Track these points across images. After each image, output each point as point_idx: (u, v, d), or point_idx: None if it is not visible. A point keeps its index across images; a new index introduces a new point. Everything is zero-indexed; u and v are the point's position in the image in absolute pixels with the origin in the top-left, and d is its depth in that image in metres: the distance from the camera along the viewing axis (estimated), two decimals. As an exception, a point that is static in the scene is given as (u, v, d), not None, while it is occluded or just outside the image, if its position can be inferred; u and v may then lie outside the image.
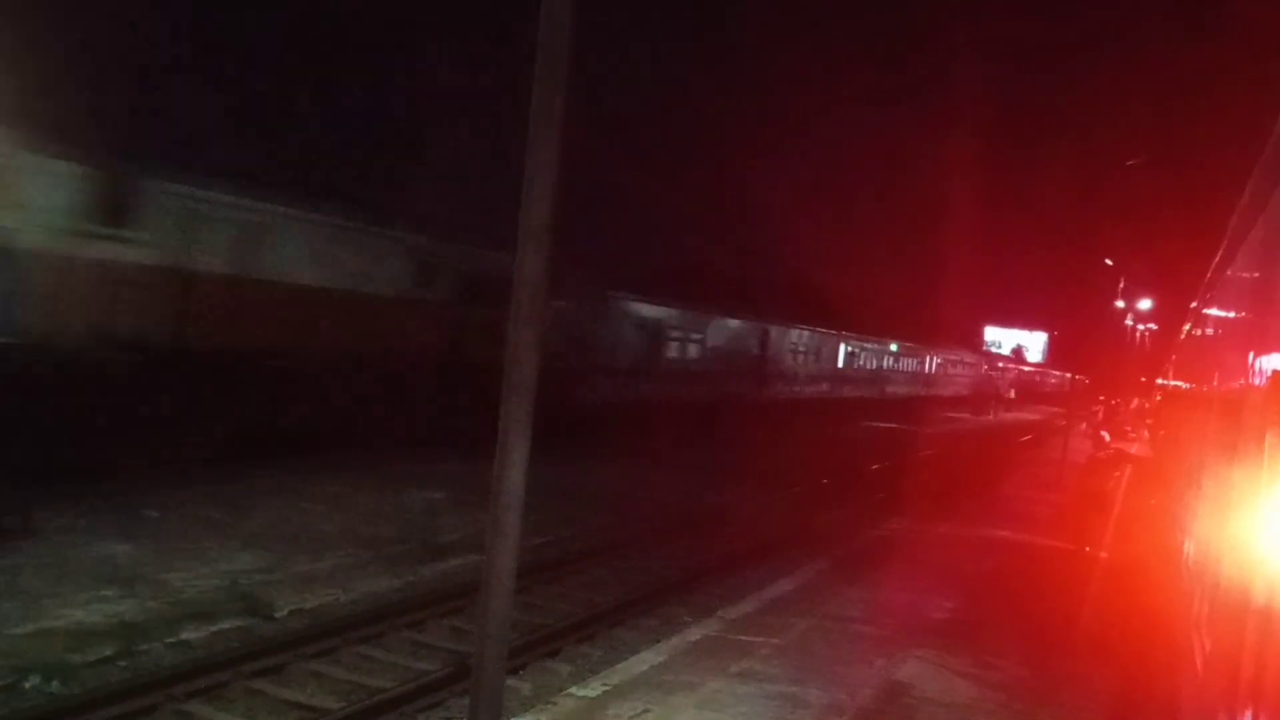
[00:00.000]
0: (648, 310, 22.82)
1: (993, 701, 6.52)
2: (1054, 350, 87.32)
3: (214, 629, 7.07)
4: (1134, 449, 29.08)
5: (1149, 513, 14.63)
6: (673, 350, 24.06)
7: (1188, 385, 10.18)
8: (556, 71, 4.53)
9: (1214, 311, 6.45)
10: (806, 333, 33.77)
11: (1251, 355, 3.43)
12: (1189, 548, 6.03)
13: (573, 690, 6.26)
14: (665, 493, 15.04)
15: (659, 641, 7.51)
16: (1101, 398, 42.95)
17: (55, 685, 5.89)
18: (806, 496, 16.29)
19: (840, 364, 37.46)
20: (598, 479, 15.44)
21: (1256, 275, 3.73)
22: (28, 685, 5.84)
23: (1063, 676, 7.16)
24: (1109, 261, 34.05)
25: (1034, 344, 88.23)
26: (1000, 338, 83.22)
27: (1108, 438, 29.39)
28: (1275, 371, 2.69)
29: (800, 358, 33.69)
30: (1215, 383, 5.50)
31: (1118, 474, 22.44)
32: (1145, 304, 38.91)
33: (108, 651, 6.40)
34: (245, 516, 10.33)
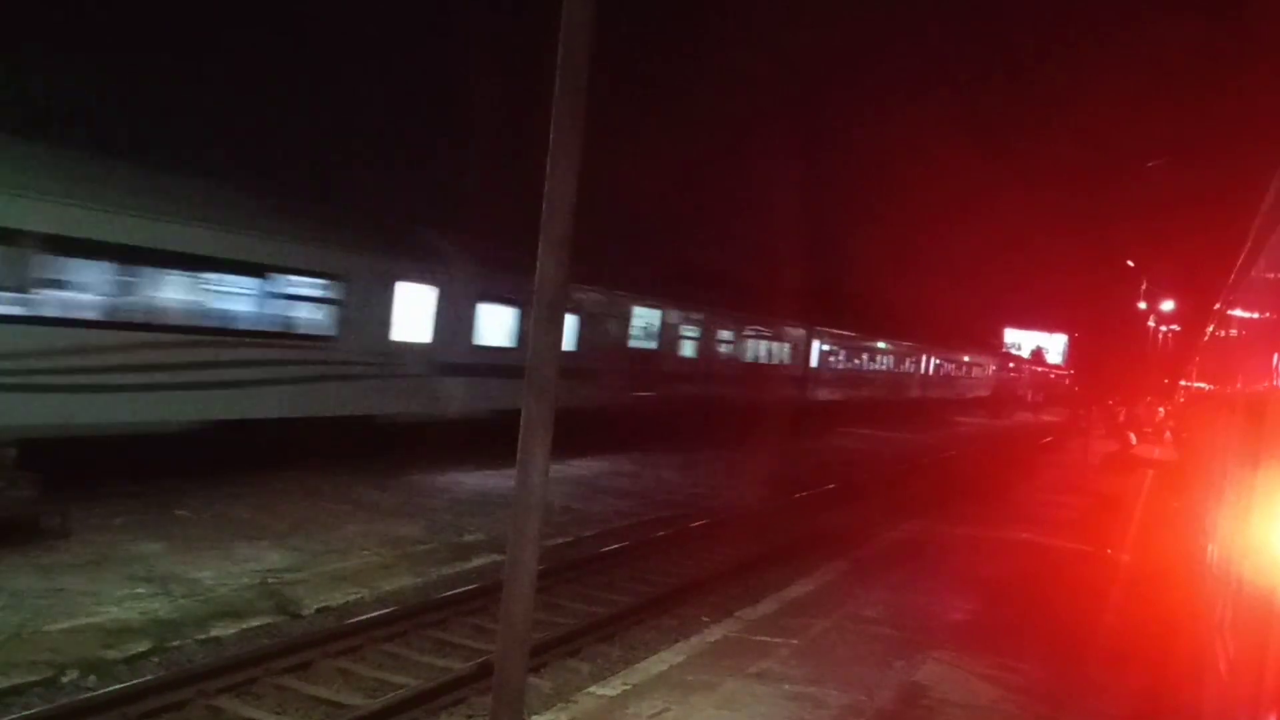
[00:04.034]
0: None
1: (1013, 704, 6.51)
2: (1074, 352, 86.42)
3: (244, 626, 7.20)
4: (1156, 451, 28.77)
5: (1171, 515, 14.50)
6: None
7: (1211, 387, 10.10)
8: (578, 80, 4.60)
9: (1237, 312, 6.42)
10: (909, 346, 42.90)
11: (1276, 357, 3.44)
12: (1212, 550, 6.01)
13: (592, 689, 6.34)
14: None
15: (678, 641, 7.57)
16: (1112, 401, 42.60)
17: (92, 680, 6.04)
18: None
19: (929, 372, 45.52)
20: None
21: None
22: (65, 680, 5.99)
23: (1084, 680, 7.14)
24: (1131, 263, 33.72)
25: (1054, 346, 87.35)
26: (1020, 339, 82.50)
27: (1134, 439, 29.15)
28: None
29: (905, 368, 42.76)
30: (1239, 385, 5.48)
31: (1139, 476, 22.23)
32: (1168, 305, 38.46)
33: (142, 648, 6.55)
34: (274, 517, 10.49)
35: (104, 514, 9.66)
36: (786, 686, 6.42)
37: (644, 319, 21.15)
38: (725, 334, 25.09)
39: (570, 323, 17.24)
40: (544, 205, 4.57)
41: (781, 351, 28.43)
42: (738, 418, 23.04)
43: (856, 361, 35.78)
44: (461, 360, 15.32)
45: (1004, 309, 78.05)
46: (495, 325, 16.20)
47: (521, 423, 4.60)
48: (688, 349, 23.14)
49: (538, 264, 4.60)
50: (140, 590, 7.58)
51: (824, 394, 31.80)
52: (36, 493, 8.81)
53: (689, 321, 23.08)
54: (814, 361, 30.88)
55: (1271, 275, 4.14)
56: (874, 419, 34.33)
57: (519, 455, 4.60)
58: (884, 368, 39.16)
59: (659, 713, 5.80)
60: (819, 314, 31.24)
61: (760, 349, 27.17)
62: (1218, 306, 9.64)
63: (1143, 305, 35.98)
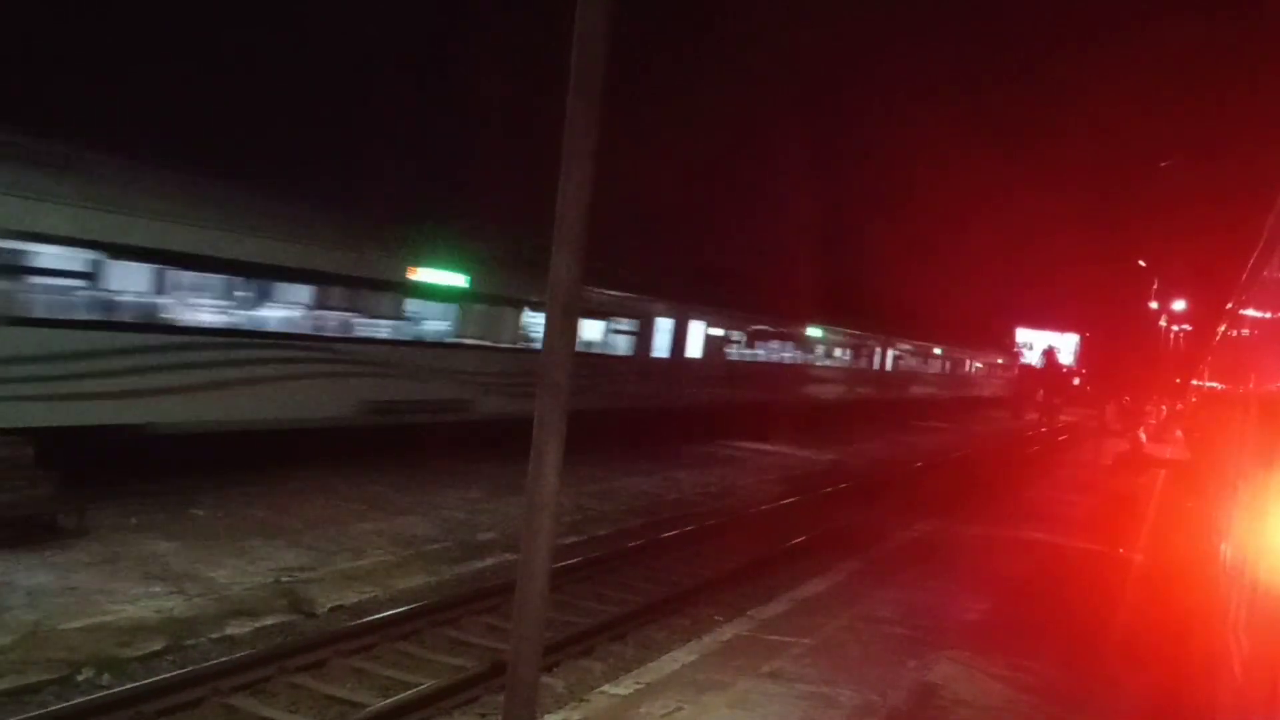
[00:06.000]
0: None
1: (1026, 704, 6.50)
2: (1085, 351, 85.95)
3: (258, 625, 7.26)
4: (1168, 451, 28.62)
5: (1184, 515, 14.43)
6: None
7: (1224, 386, 10.06)
8: (592, 81, 4.63)
9: (1250, 312, 6.39)
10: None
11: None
12: (1226, 550, 5.99)
13: (605, 688, 6.35)
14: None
15: (690, 640, 7.59)
16: (1126, 399, 42.44)
17: (107, 678, 6.09)
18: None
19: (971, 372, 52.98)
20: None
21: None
22: (81, 678, 6.05)
23: (1097, 679, 7.12)
24: (1142, 263, 33.56)
25: (1065, 345, 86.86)
26: (1031, 339, 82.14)
27: (1144, 438, 29.01)
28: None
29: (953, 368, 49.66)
30: (1252, 383, 5.46)
31: (1152, 475, 22.13)
32: (1179, 304, 38.25)
33: (157, 646, 6.60)
34: (289, 516, 10.56)
35: (120, 513, 9.73)
36: (799, 686, 6.43)
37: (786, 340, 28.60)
38: (850, 353, 33.51)
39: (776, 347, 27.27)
40: (558, 208, 4.60)
41: (862, 359, 35.95)
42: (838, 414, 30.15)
43: (917, 364, 42.15)
44: (705, 368, 22.54)
45: (1016, 309, 77.70)
46: (726, 345, 23.82)
47: (534, 421, 4.62)
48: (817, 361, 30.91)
49: (551, 266, 4.62)
50: (155, 589, 7.64)
51: (891, 394, 38.35)
52: (53, 491, 8.89)
53: (832, 344, 31.34)
54: (888, 365, 38.23)
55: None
56: (921, 414, 39.85)
57: (532, 453, 4.63)
58: (940, 371, 46.35)
59: (671, 712, 5.82)
60: (880, 324, 37.18)
61: (849, 357, 34.83)
62: (1230, 306, 9.60)
63: (1154, 305, 35.80)
